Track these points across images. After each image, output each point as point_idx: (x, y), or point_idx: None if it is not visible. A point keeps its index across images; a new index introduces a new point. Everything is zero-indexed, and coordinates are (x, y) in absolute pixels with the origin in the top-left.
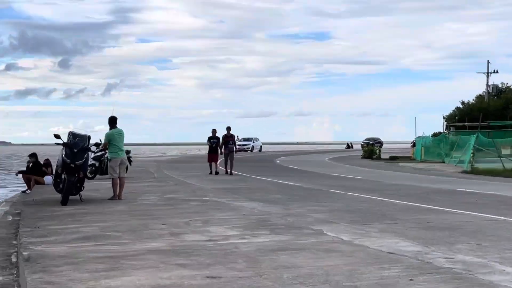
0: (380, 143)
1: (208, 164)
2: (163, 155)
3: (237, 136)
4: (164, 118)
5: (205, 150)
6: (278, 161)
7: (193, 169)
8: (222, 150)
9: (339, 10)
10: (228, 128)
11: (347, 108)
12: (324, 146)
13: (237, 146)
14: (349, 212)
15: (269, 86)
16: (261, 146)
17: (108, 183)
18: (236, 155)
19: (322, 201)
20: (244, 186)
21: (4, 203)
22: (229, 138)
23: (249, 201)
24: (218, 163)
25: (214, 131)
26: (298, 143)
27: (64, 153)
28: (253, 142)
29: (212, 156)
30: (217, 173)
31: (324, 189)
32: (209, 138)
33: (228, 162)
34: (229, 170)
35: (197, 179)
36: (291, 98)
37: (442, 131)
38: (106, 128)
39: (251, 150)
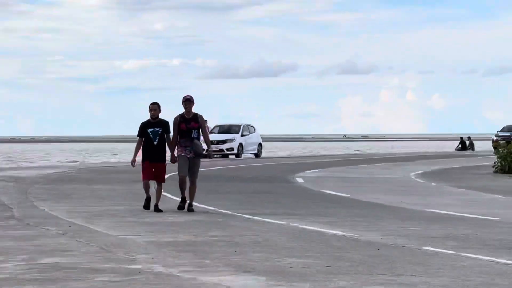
0: None
1: (142, 184)
2: (38, 167)
3: (207, 124)
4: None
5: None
6: (300, 180)
7: (105, 197)
8: (175, 152)
9: None
10: (188, 101)
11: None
12: (400, 147)
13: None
14: None
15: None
16: (259, 146)
17: None
18: (206, 162)
19: (417, 272)
20: (221, 238)
21: None
22: (190, 123)
23: (234, 272)
24: (161, 182)
25: (154, 108)
26: (345, 137)
27: None
28: (241, 135)
29: (151, 167)
30: (181, 206)
31: (415, 246)
32: (144, 126)
33: (187, 179)
34: (187, 199)
35: (114, 220)
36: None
37: None
38: None
39: (237, 155)
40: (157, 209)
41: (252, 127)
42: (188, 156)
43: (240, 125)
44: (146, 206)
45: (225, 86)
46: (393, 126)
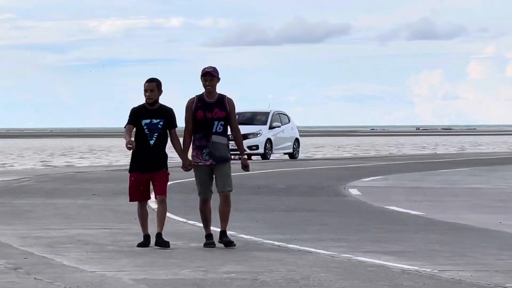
0: None
1: (136, 205)
2: None
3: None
4: None
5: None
6: (354, 192)
7: (74, 217)
8: (191, 156)
9: None
10: (209, 75)
11: None
12: (496, 144)
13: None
14: None
15: None
16: (295, 144)
17: None
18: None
19: None
20: (241, 275)
21: None
22: (213, 110)
23: None
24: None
25: (151, 87)
26: (418, 129)
27: None
28: (270, 127)
29: (143, 182)
30: (210, 243)
31: None
32: (137, 115)
33: (218, 197)
34: (220, 226)
35: (88, 249)
36: None
37: None
38: None
39: (264, 155)
40: (161, 242)
41: (286, 115)
42: (208, 164)
43: (268, 113)
44: (145, 243)
45: (246, 57)
46: (486, 114)
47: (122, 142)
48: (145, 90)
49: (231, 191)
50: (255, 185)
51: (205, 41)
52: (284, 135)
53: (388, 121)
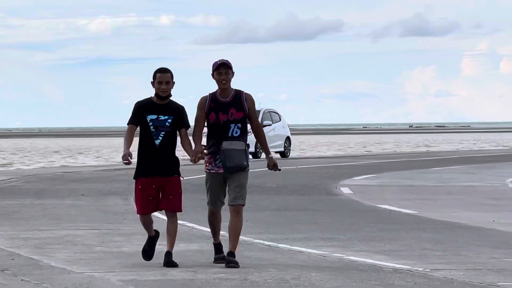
0: None
1: (139, 218)
2: None
3: None
4: None
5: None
6: (346, 190)
7: (63, 217)
8: (204, 161)
9: None
10: (224, 66)
11: None
12: (490, 141)
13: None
14: None
15: None
16: (286, 142)
17: None
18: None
19: None
20: (230, 276)
21: None
22: (229, 110)
23: None
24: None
25: (166, 79)
26: (411, 127)
27: None
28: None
29: (153, 189)
30: (220, 258)
31: None
32: (142, 109)
33: (228, 208)
34: (230, 242)
35: (76, 250)
36: None
37: None
38: None
39: (255, 154)
40: (170, 261)
41: (276, 113)
42: (221, 172)
43: (258, 111)
44: (147, 253)
45: (236, 55)
46: (480, 111)
47: (110, 141)
48: (159, 82)
49: (243, 205)
50: None
51: (195, 39)
52: (275, 133)
53: (381, 119)
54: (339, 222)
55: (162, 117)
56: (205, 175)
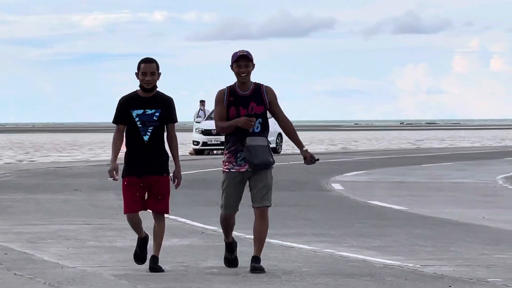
0: None
1: (126, 218)
2: None
3: (204, 107)
4: None
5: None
6: (337, 186)
7: (56, 212)
8: (223, 161)
9: None
10: (244, 59)
11: None
12: (481, 138)
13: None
14: None
15: None
16: (278, 138)
17: None
18: (204, 161)
19: None
20: (222, 271)
21: None
22: (249, 104)
23: None
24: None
25: (151, 69)
26: (402, 124)
27: None
28: None
29: (140, 187)
30: (230, 260)
31: (502, 282)
32: (126, 105)
33: (253, 210)
34: (255, 247)
35: (69, 244)
36: None
37: None
38: None
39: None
40: (155, 266)
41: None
42: (243, 170)
43: None
44: (139, 257)
45: (229, 51)
46: (471, 108)
47: (104, 136)
48: (144, 73)
49: (269, 206)
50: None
51: (188, 35)
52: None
53: (372, 116)
54: (330, 218)
55: (149, 111)
56: (222, 176)
